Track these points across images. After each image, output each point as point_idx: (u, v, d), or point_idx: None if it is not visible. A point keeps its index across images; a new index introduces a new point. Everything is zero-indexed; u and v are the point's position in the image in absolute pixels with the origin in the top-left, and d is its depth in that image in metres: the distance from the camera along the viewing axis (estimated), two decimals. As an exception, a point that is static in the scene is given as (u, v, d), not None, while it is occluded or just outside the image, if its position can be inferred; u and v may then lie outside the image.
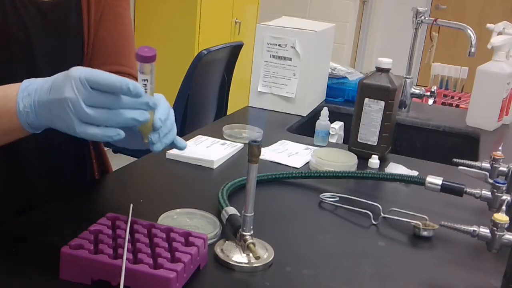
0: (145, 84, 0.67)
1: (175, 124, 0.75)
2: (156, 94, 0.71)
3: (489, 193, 0.93)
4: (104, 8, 0.98)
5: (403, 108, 1.71)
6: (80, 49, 0.95)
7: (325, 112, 1.32)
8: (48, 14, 0.88)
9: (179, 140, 0.76)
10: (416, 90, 1.71)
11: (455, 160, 1.07)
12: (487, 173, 0.98)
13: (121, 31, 1.01)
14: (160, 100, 0.72)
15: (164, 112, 0.71)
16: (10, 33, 0.84)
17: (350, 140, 1.26)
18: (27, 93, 0.68)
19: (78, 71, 0.64)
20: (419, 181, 0.98)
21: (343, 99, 1.76)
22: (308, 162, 1.17)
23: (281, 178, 1.07)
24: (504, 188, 0.92)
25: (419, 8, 1.69)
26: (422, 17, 1.68)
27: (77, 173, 1.03)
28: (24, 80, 0.69)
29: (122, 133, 0.66)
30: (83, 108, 0.64)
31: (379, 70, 1.22)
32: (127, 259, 0.66)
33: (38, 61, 0.88)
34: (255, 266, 0.75)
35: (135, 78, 1.12)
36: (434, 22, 1.67)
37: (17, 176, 0.91)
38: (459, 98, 2.58)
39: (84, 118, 0.64)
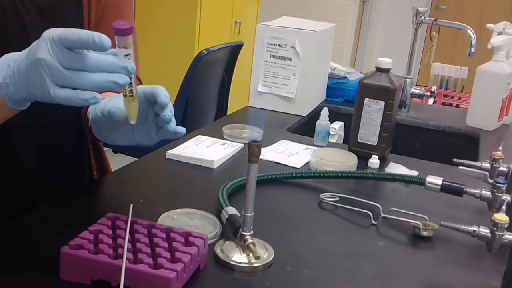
0: (129, 60, 0.66)
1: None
2: (154, 86, 0.73)
3: (489, 193, 0.93)
4: (105, 7, 0.97)
5: (403, 108, 1.71)
6: None
7: (325, 112, 1.32)
8: (48, 14, 0.88)
9: (179, 127, 0.76)
10: (416, 90, 1.71)
11: (455, 160, 1.07)
12: (487, 173, 0.98)
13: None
14: (160, 90, 0.73)
15: (165, 97, 0.72)
16: (10, 33, 0.84)
17: (350, 140, 1.26)
18: (7, 64, 0.66)
19: (52, 31, 0.63)
20: (419, 181, 0.98)
21: (343, 99, 1.76)
22: (308, 162, 1.17)
23: (281, 178, 1.07)
24: (504, 188, 0.92)
25: (419, 8, 1.69)
26: (422, 17, 1.68)
27: (76, 173, 1.03)
28: (5, 54, 0.68)
29: (98, 97, 0.64)
30: (59, 69, 0.61)
31: (379, 70, 1.22)
32: (127, 259, 0.66)
33: None
34: (255, 266, 0.75)
35: (138, 79, 1.14)
36: (434, 22, 1.67)
37: (15, 176, 0.91)
38: (459, 98, 2.58)
39: (60, 79, 0.62)
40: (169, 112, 0.72)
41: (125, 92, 0.70)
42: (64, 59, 0.62)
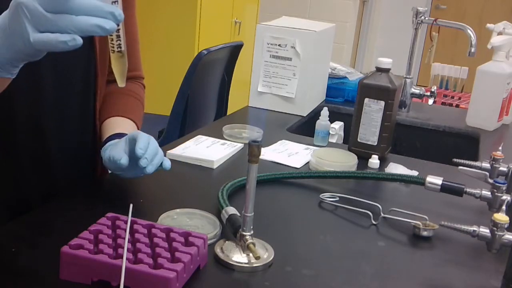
0: (116, 1, 0.63)
1: (159, 148, 0.88)
2: (136, 132, 0.85)
3: (489, 193, 0.93)
4: None
5: (403, 108, 1.71)
6: (93, 55, 0.96)
7: (325, 112, 1.32)
8: None
9: (166, 161, 0.90)
10: (416, 90, 1.71)
11: (455, 160, 1.07)
12: (487, 173, 0.98)
13: (128, 31, 1.01)
14: (138, 134, 0.84)
15: (143, 142, 0.83)
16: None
17: (350, 140, 1.26)
18: None
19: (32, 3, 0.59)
20: (419, 181, 0.98)
21: (343, 99, 1.76)
22: (308, 162, 1.17)
23: (281, 178, 1.07)
24: (504, 188, 0.92)
25: (419, 8, 1.69)
26: (422, 17, 1.68)
27: (80, 172, 1.03)
28: None
29: (78, 39, 0.59)
30: (40, 11, 0.58)
31: (379, 70, 1.22)
32: (127, 259, 0.66)
33: (42, 70, 0.87)
34: (255, 266, 0.75)
35: (142, 78, 1.15)
36: (434, 22, 1.67)
37: (18, 176, 0.91)
38: (459, 98, 2.58)
39: (41, 23, 0.58)
40: (144, 160, 0.83)
41: (113, 47, 0.67)
42: (45, 1, 0.58)
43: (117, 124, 1.01)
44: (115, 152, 0.86)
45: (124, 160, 0.84)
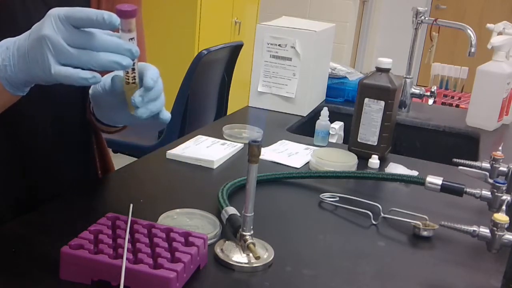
0: (133, 44, 0.65)
1: (163, 94, 0.73)
2: (145, 64, 0.71)
3: (489, 193, 0.93)
4: (114, 4, 0.98)
5: (403, 108, 1.71)
6: None
7: (325, 112, 1.32)
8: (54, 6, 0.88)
9: (164, 112, 0.74)
10: (416, 90, 1.71)
11: (455, 160, 1.07)
12: (487, 173, 0.98)
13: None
14: (149, 66, 0.71)
15: (154, 73, 0.70)
16: (18, 28, 0.84)
17: (350, 140, 1.26)
18: (6, 47, 0.66)
19: (58, 10, 0.62)
20: (419, 181, 0.98)
21: (343, 99, 1.76)
22: (308, 162, 1.17)
23: (281, 178, 1.07)
24: (504, 188, 0.92)
25: (419, 8, 1.69)
26: (422, 17, 1.68)
27: (81, 173, 1.03)
28: (3, 40, 0.67)
29: (98, 76, 0.63)
30: (63, 45, 0.61)
31: (379, 70, 1.22)
32: (127, 259, 0.66)
33: None
34: (255, 266, 0.75)
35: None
36: (434, 22, 1.67)
37: (22, 175, 0.91)
38: (459, 98, 2.58)
39: (64, 57, 0.61)
40: (139, 98, 0.68)
41: (128, 79, 0.69)
42: (69, 36, 0.61)
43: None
44: (107, 77, 0.74)
45: (116, 77, 0.70)
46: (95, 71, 0.64)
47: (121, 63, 0.63)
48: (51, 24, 0.61)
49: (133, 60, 0.65)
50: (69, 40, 0.61)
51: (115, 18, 0.62)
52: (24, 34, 0.66)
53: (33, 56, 0.63)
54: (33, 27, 0.64)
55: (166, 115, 0.74)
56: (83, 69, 0.63)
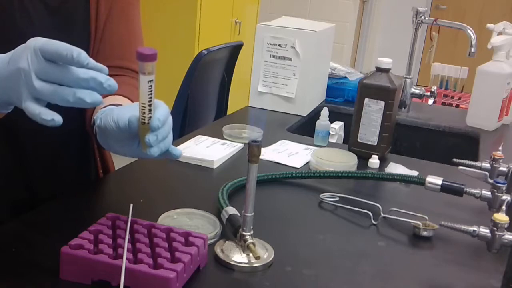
0: (151, 86, 0.64)
1: (171, 131, 0.73)
2: (157, 100, 0.69)
3: (489, 193, 0.93)
4: (113, 3, 0.98)
5: (403, 108, 1.71)
6: (86, 44, 0.95)
7: (325, 112, 1.32)
8: (55, 10, 0.88)
9: (174, 148, 0.75)
10: (416, 90, 1.71)
11: (455, 160, 1.07)
12: (487, 173, 0.98)
13: (128, 26, 1.01)
14: (160, 103, 0.70)
15: (163, 113, 0.69)
16: (17, 28, 0.84)
17: (350, 140, 1.26)
18: None
19: (35, 42, 0.63)
20: (419, 181, 0.98)
21: (343, 99, 1.76)
22: (308, 162, 1.17)
23: (281, 178, 1.07)
24: (504, 188, 0.92)
25: (419, 8, 1.69)
26: (422, 17, 1.68)
27: (82, 172, 1.03)
28: None
29: (57, 119, 0.63)
30: (32, 80, 0.61)
31: (379, 70, 1.22)
32: (127, 259, 0.66)
33: None
34: (255, 266, 0.75)
35: (137, 73, 1.11)
36: (434, 22, 1.67)
37: (22, 175, 0.92)
38: (459, 98, 2.58)
39: (35, 92, 0.62)
40: (153, 137, 0.68)
41: (144, 119, 0.67)
42: (41, 69, 0.62)
43: (116, 99, 0.91)
44: (122, 113, 0.73)
45: (133, 118, 0.70)
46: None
47: (85, 100, 0.62)
48: (26, 57, 0.62)
49: (104, 93, 0.64)
50: (41, 73, 0.62)
51: (84, 57, 0.62)
52: (5, 57, 0.66)
53: (12, 85, 0.63)
54: (13, 52, 0.65)
55: (178, 151, 0.75)
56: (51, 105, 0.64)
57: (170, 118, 0.73)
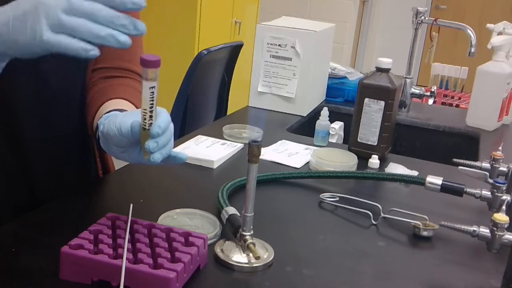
0: (153, 92, 0.65)
1: (173, 138, 0.73)
2: (159, 108, 0.70)
3: (489, 193, 0.93)
4: None
5: (403, 108, 1.71)
6: None
7: (325, 112, 1.32)
8: None
9: (179, 152, 0.75)
10: (416, 90, 1.71)
11: (455, 160, 1.07)
12: (487, 173, 0.98)
13: None
14: (161, 110, 0.70)
15: (164, 120, 0.69)
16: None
17: (350, 140, 1.26)
18: None
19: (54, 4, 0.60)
20: (419, 181, 0.98)
21: (343, 99, 1.76)
22: (308, 162, 1.17)
23: (281, 178, 1.07)
24: (504, 188, 0.92)
25: (419, 8, 1.69)
26: (422, 17, 1.68)
27: (82, 172, 1.03)
28: None
29: (97, 51, 0.61)
30: (57, 13, 0.59)
31: (379, 70, 1.22)
32: (127, 259, 0.66)
33: (41, 63, 0.87)
34: (255, 266, 0.75)
35: (138, 75, 1.12)
36: (434, 22, 1.67)
37: (23, 175, 0.91)
38: (459, 98, 2.58)
39: (59, 24, 0.59)
40: (153, 143, 0.68)
41: (145, 125, 0.68)
42: (67, 3, 0.60)
43: (120, 104, 0.90)
44: (125, 119, 0.72)
45: (135, 123, 0.69)
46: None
47: (117, 38, 0.61)
48: None
49: (133, 34, 0.63)
50: (67, 8, 0.60)
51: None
52: (7, 5, 0.63)
53: (20, 24, 0.60)
54: None
55: (183, 155, 0.75)
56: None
57: (172, 125, 0.73)
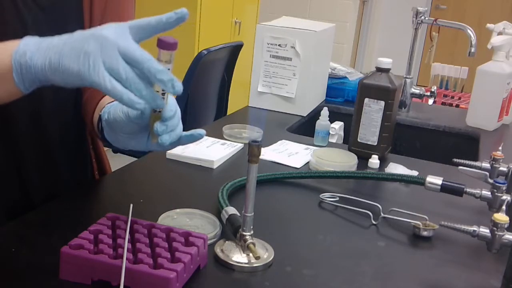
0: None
1: (181, 122, 0.73)
2: None
3: (489, 193, 0.93)
4: (107, 3, 0.97)
5: (403, 108, 1.71)
6: None
7: (325, 112, 1.32)
8: (47, 8, 0.88)
9: (195, 130, 0.75)
10: (416, 90, 1.71)
11: (455, 160, 1.07)
12: (487, 173, 0.98)
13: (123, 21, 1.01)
14: (169, 96, 0.70)
15: (174, 103, 0.70)
16: (8, 27, 0.83)
17: (350, 140, 1.26)
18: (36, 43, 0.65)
19: (114, 42, 0.63)
20: (419, 181, 0.98)
21: (343, 99, 1.76)
22: (308, 162, 1.17)
23: (281, 178, 1.07)
24: (504, 188, 0.92)
25: (419, 8, 1.69)
26: (422, 17, 1.68)
27: (77, 173, 1.03)
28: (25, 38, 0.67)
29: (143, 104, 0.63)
30: (117, 56, 0.62)
31: (379, 70, 1.22)
32: (127, 259, 0.66)
33: None
34: (255, 266, 0.75)
35: None
36: (434, 22, 1.67)
37: (17, 176, 0.91)
38: (459, 98, 2.58)
39: (115, 70, 0.62)
40: (162, 126, 0.68)
41: (157, 108, 0.68)
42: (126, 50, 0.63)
43: None
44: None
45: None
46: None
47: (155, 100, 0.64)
48: (113, 30, 0.64)
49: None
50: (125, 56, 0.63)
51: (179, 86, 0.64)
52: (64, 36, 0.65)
53: (80, 49, 0.63)
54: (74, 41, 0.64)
55: (202, 131, 0.76)
56: None
57: (179, 110, 0.73)
